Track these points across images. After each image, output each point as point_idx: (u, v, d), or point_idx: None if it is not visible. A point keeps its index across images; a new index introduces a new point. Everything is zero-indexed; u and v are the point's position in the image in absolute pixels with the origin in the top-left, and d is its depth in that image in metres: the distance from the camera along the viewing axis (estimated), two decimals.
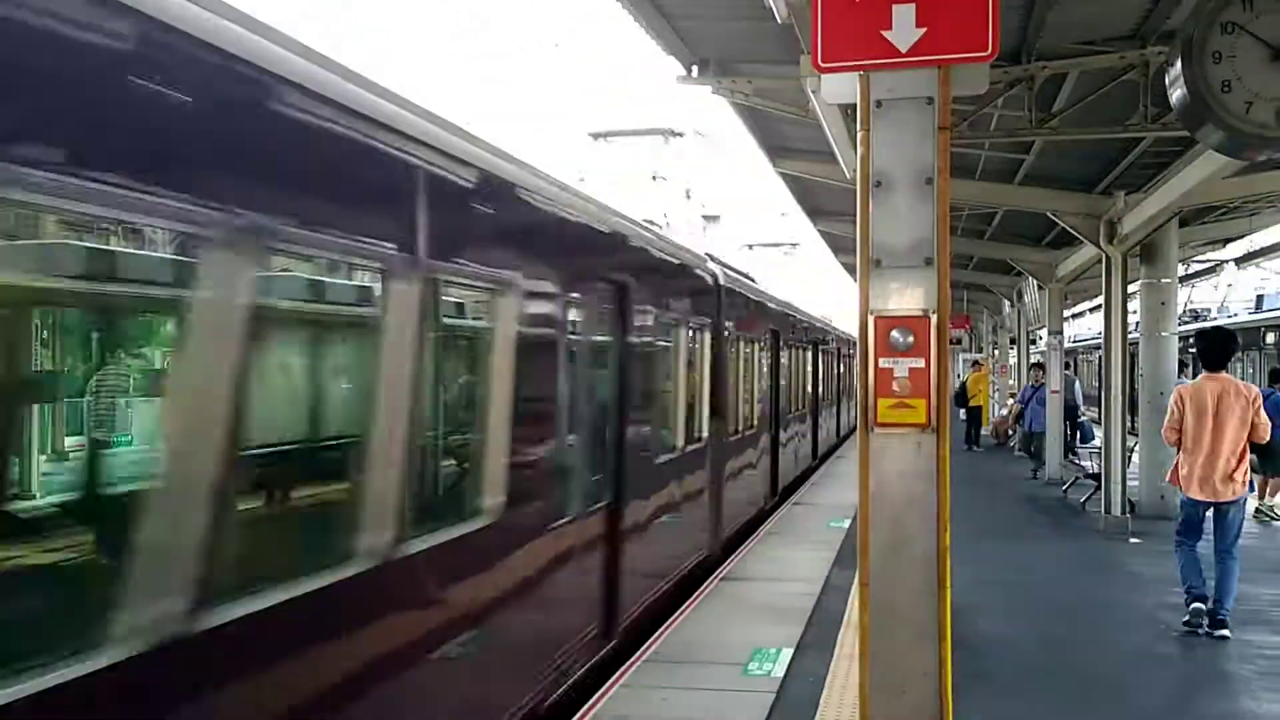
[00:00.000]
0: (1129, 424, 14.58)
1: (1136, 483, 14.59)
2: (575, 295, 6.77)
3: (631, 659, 7.63)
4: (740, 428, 13.27)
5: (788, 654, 7.74)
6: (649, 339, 8.74)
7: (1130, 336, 15.25)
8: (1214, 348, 8.74)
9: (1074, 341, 40.89)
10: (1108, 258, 14.27)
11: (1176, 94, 6.82)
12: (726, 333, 11.97)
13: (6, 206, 2.77)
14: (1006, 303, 30.09)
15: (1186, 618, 8.54)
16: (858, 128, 4.69)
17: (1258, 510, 14.33)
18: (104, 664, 2.96)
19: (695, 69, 10.98)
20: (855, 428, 5.66)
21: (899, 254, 4.57)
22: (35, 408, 3.58)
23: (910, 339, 4.49)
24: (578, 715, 6.45)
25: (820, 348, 22.82)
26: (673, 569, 9.82)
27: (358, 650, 4.36)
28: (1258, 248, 25.41)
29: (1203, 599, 8.52)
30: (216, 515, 3.38)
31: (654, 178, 20.89)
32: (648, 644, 8.02)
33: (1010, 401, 27.11)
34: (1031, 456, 20.32)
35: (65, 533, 3.56)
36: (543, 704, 6.37)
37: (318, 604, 3.97)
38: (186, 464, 3.33)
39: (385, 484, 4.43)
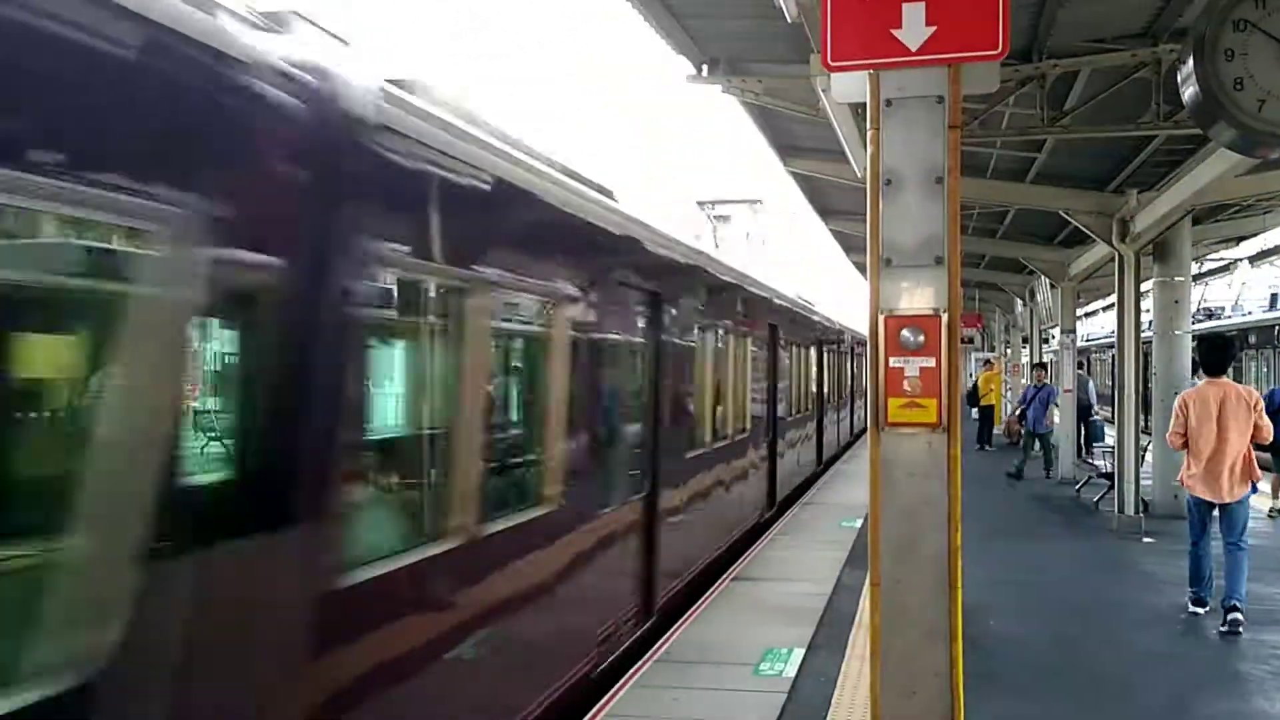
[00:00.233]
0: (1142, 423, 14.53)
1: (1150, 482, 14.53)
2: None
3: (643, 659, 7.64)
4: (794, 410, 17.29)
5: (799, 654, 7.73)
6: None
7: (1143, 335, 15.20)
8: (1214, 353, 9.05)
9: (1087, 340, 40.76)
10: (1120, 256, 14.22)
11: (1189, 92, 6.79)
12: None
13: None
14: (1019, 302, 30.00)
15: (1187, 611, 9.03)
16: (868, 126, 4.68)
17: (1272, 510, 14.28)
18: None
19: (705, 68, 10.97)
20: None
21: (909, 253, 4.55)
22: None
23: (921, 338, 4.47)
24: (589, 715, 6.46)
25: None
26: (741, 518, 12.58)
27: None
28: (1271, 245, 25.31)
29: (1203, 604, 8.96)
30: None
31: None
32: (659, 644, 8.02)
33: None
34: (1026, 456, 20.09)
35: None
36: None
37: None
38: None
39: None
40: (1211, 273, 31.39)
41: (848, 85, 4.91)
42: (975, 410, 27.07)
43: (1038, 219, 18.82)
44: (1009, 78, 10.13)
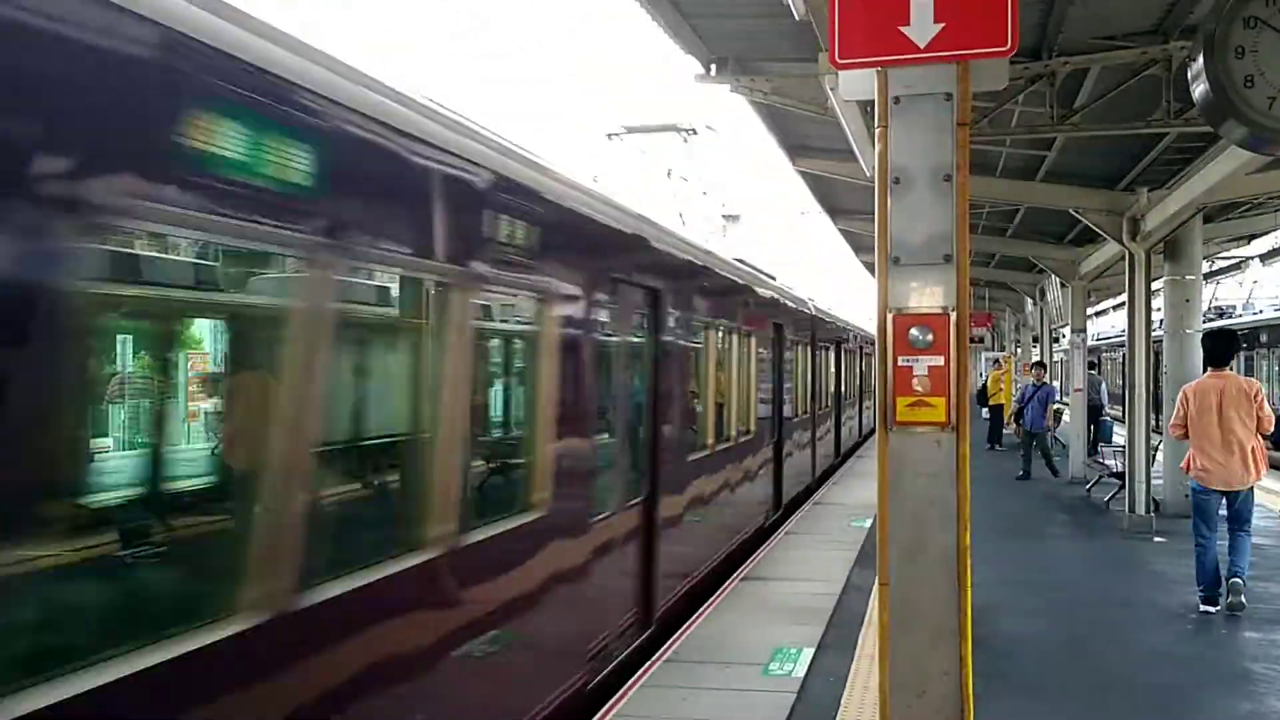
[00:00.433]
0: (1153, 422, 14.48)
1: (1161, 481, 14.47)
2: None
3: (652, 659, 7.63)
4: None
5: (809, 654, 7.72)
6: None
7: (1154, 334, 15.15)
8: (1219, 346, 9.42)
9: (1097, 339, 40.65)
10: (1131, 255, 14.17)
11: (1199, 89, 6.76)
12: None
13: None
14: (1029, 301, 29.94)
15: (1199, 610, 9.04)
16: (876, 124, 4.65)
17: None
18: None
19: (714, 67, 10.97)
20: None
21: (918, 251, 4.53)
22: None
23: (929, 337, 4.44)
24: (599, 715, 6.45)
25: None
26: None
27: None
28: None
29: (1214, 603, 9.00)
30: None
31: (669, 173, 20.37)
32: (668, 644, 8.01)
33: None
34: (1030, 456, 19.92)
35: None
36: None
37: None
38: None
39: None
40: (1223, 271, 31.31)
41: (856, 83, 4.89)
42: (985, 410, 27.00)
43: (1048, 217, 18.77)
44: (1018, 75, 10.10)
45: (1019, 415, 21.22)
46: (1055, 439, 24.25)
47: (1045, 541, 13.21)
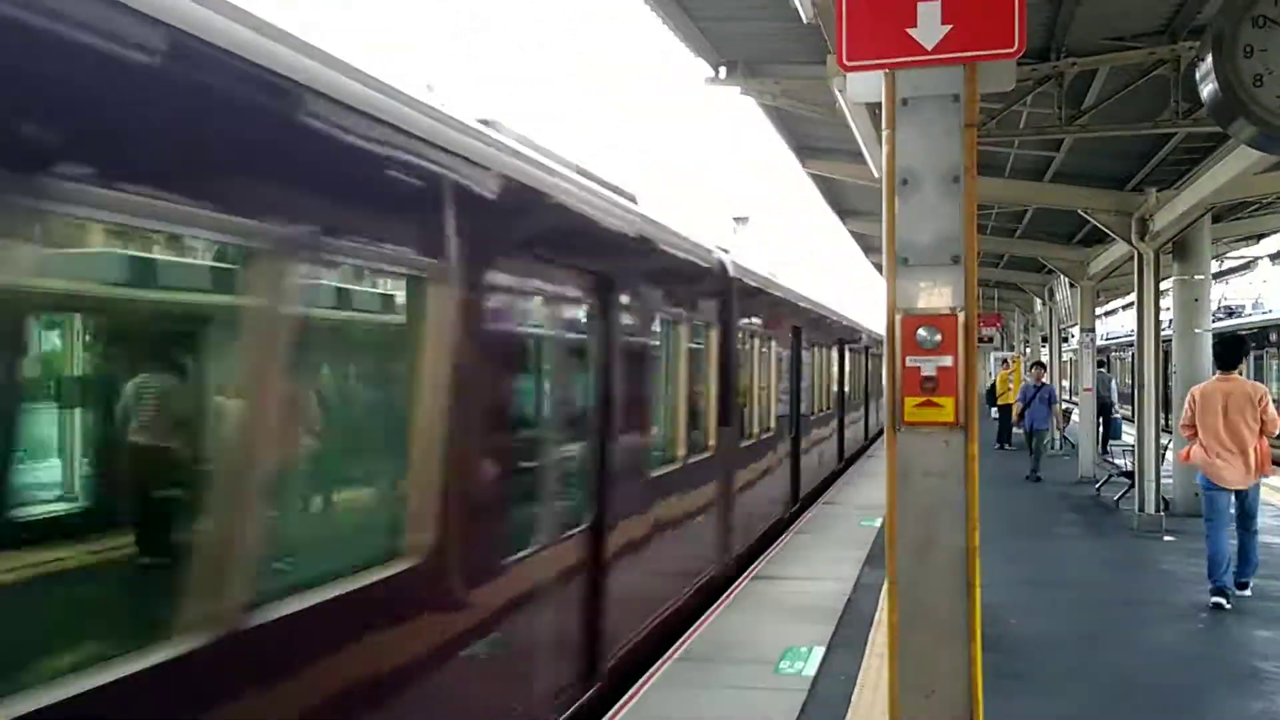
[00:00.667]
0: (1163, 421, 14.47)
1: (1170, 480, 14.46)
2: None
3: (663, 658, 7.65)
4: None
5: (819, 653, 7.74)
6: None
7: (1163, 334, 15.13)
8: (1228, 350, 9.75)
9: (1107, 339, 40.57)
10: (1140, 255, 14.16)
11: (1207, 89, 6.75)
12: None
13: None
14: (1038, 301, 29.89)
15: (1211, 602, 9.25)
16: (883, 126, 4.68)
17: None
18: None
19: (723, 70, 11.00)
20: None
21: (926, 252, 4.55)
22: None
23: (938, 337, 4.46)
24: (609, 713, 6.48)
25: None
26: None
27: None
28: None
29: (1224, 594, 9.22)
30: None
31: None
32: (679, 643, 8.04)
33: None
34: (1033, 456, 19.75)
35: None
36: None
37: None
38: None
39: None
40: (1232, 270, 31.23)
41: (863, 85, 4.91)
42: (994, 409, 26.97)
43: (1056, 218, 18.75)
44: (1026, 77, 10.11)
45: (1021, 416, 21.14)
46: (1065, 439, 24.22)
47: (1055, 541, 13.20)
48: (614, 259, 7.24)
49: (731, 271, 10.83)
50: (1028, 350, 35.68)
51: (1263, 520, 10.03)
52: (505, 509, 5.42)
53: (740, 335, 11.18)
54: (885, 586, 4.64)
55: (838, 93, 9.28)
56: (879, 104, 4.76)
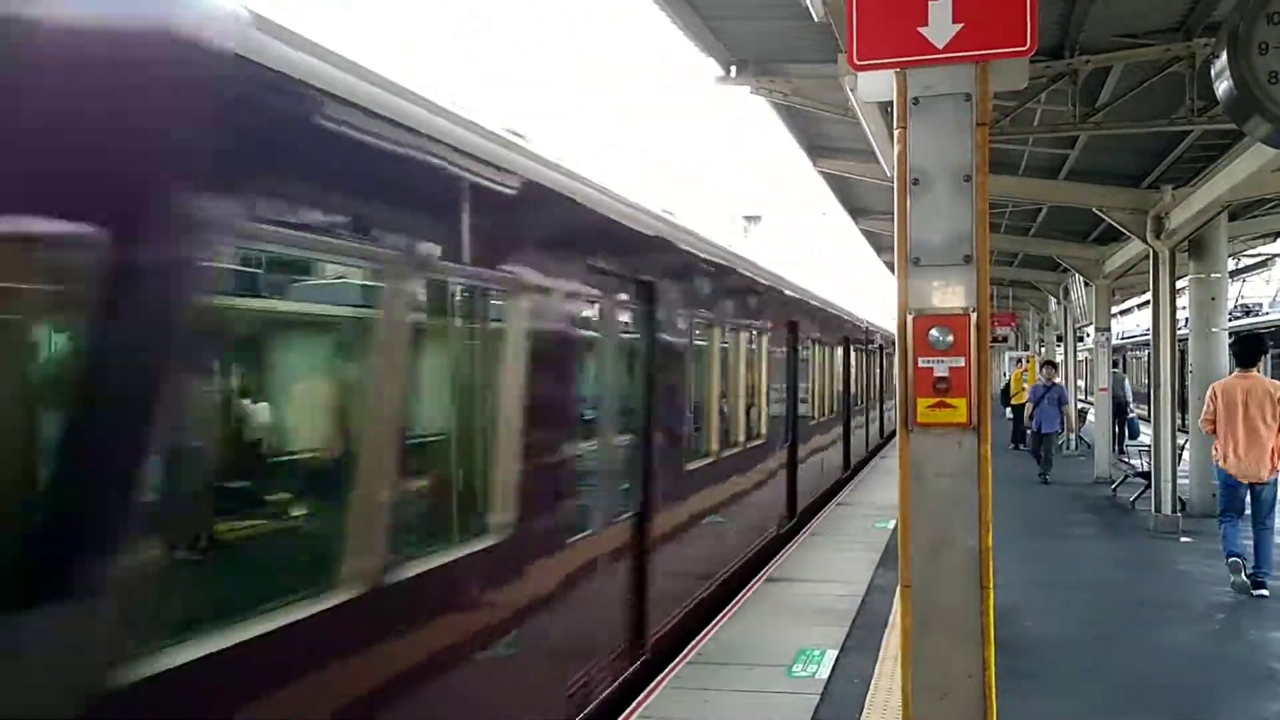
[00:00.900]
0: (1179, 421, 14.39)
1: (1187, 481, 14.38)
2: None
3: (675, 660, 7.63)
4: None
5: (832, 655, 7.71)
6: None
7: (1180, 332, 15.05)
8: (1247, 348, 10.09)
9: (1122, 338, 40.40)
10: (1155, 253, 14.08)
11: (1222, 86, 6.71)
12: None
13: None
14: (1053, 300, 29.79)
15: (1232, 580, 9.65)
16: (895, 125, 4.65)
17: None
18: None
19: (734, 69, 10.98)
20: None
21: (938, 252, 4.51)
22: None
23: (950, 337, 4.43)
24: (623, 715, 6.46)
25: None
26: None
27: None
28: None
29: (1241, 558, 9.62)
30: None
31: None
32: (691, 645, 8.02)
33: None
34: (1039, 460, 19.55)
35: None
36: None
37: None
38: None
39: None
40: (1248, 269, 31.01)
41: (875, 84, 4.88)
42: (1008, 409, 26.87)
43: (1071, 216, 18.67)
44: (1040, 74, 10.07)
45: (1030, 417, 20.81)
46: (1080, 439, 24.11)
47: (1070, 542, 13.14)
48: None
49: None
50: (1042, 350, 35.58)
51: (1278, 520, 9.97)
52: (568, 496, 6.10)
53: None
54: (898, 588, 4.61)
55: (849, 91, 9.26)
56: (890, 102, 4.74)
